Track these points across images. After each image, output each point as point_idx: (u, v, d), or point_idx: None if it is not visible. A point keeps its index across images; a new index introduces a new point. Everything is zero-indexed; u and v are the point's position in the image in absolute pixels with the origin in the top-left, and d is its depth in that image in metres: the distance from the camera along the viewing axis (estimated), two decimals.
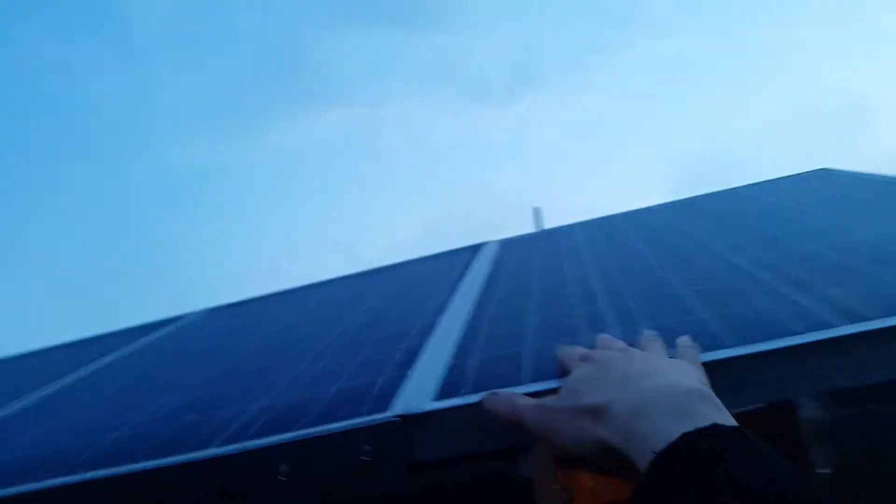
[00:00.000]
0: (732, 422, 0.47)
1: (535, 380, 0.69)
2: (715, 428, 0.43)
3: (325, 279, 1.78)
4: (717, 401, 0.51)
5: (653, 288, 0.93)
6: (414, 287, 1.39)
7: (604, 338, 0.70)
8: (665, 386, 0.52)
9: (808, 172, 1.59)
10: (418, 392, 0.74)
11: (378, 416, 0.69)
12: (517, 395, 0.63)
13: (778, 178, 1.61)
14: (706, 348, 0.65)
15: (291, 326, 1.30)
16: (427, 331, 0.99)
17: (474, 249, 1.65)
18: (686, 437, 0.43)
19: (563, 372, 0.65)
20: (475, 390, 0.70)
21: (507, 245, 1.60)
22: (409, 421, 0.68)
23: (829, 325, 0.64)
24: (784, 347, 0.63)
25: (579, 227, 1.60)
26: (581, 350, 0.65)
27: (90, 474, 0.73)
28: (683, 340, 0.66)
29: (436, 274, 1.46)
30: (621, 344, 0.66)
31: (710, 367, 0.62)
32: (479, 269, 1.37)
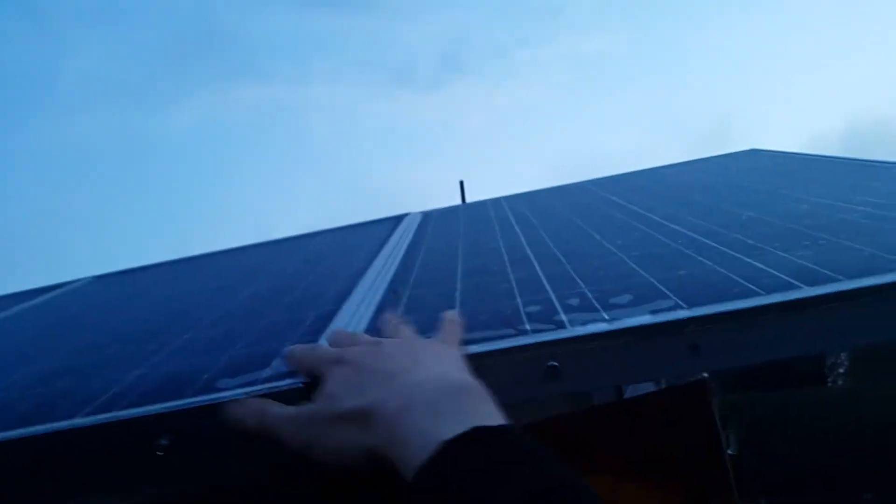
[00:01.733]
0: (497, 416, 0.45)
1: (465, 341, 0.61)
2: (475, 432, 0.41)
3: (231, 247, 1.64)
4: (482, 391, 0.47)
5: (589, 253, 0.86)
6: (329, 255, 1.28)
7: (340, 333, 0.62)
8: (426, 381, 0.48)
9: (737, 152, 1.58)
10: None
11: (279, 383, 0.59)
12: (269, 402, 0.54)
13: (707, 158, 1.59)
14: (662, 309, 0.59)
15: (187, 294, 1.17)
16: (343, 296, 0.89)
17: (396, 220, 1.55)
18: (446, 446, 0.40)
19: (307, 388, 0.56)
20: None
21: (431, 216, 1.51)
22: (315, 387, 0.58)
23: (790, 287, 0.59)
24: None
25: (505, 199, 1.53)
26: (328, 351, 0.57)
27: None
28: (450, 314, 0.62)
29: (354, 242, 1.36)
30: (367, 337, 0.59)
31: (662, 329, 0.56)
32: (401, 237, 1.28)
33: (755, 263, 0.69)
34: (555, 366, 0.57)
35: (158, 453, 0.57)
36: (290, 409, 0.52)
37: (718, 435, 1.54)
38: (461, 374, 0.51)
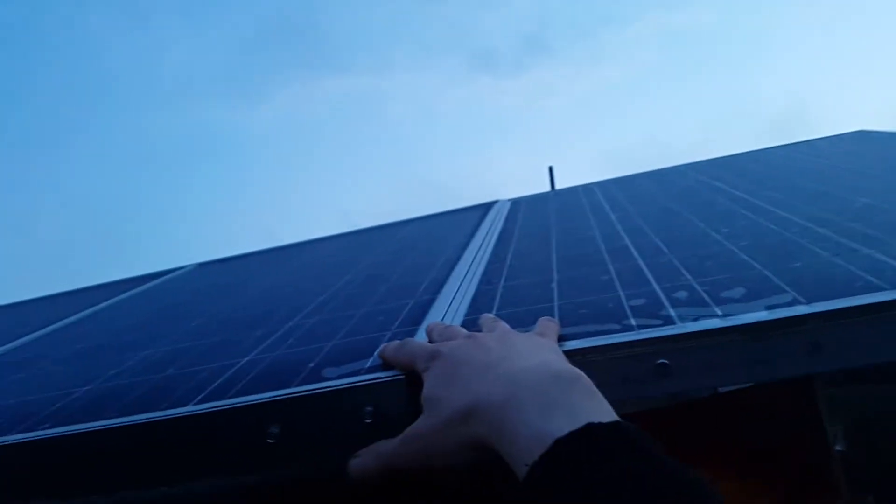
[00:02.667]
0: (608, 411, 0.43)
1: (565, 337, 0.60)
2: (589, 429, 0.40)
3: (323, 236, 1.68)
4: (588, 383, 0.45)
5: (693, 242, 0.83)
6: (419, 244, 1.28)
7: (436, 326, 0.61)
8: (529, 370, 0.46)
9: (844, 134, 1.48)
10: None
11: (382, 374, 0.59)
12: (378, 443, 0.54)
13: (812, 140, 1.50)
14: (779, 305, 0.56)
15: (285, 282, 1.20)
16: (437, 286, 0.89)
17: (485, 208, 1.54)
18: (559, 444, 0.39)
19: (409, 379, 0.56)
20: None
21: (520, 203, 1.50)
22: (417, 380, 0.58)
23: None
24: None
25: (597, 185, 1.50)
26: (423, 347, 0.56)
27: (52, 431, 0.63)
28: (543, 319, 0.60)
29: (443, 231, 1.36)
30: (462, 330, 0.57)
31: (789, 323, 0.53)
32: (491, 226, 1.27)
33: (876, 255, 0.65)
34: (665, 363, 0.55)
35: (269, 441, 0.59)
36: (397, 438, 0.52)
37: (824, 429, 1.46)
38: (563, 363, 0.49)
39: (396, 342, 0.61)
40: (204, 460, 0.60)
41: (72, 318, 1.28)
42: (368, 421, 0.58)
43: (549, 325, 0.60)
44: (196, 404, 0.62)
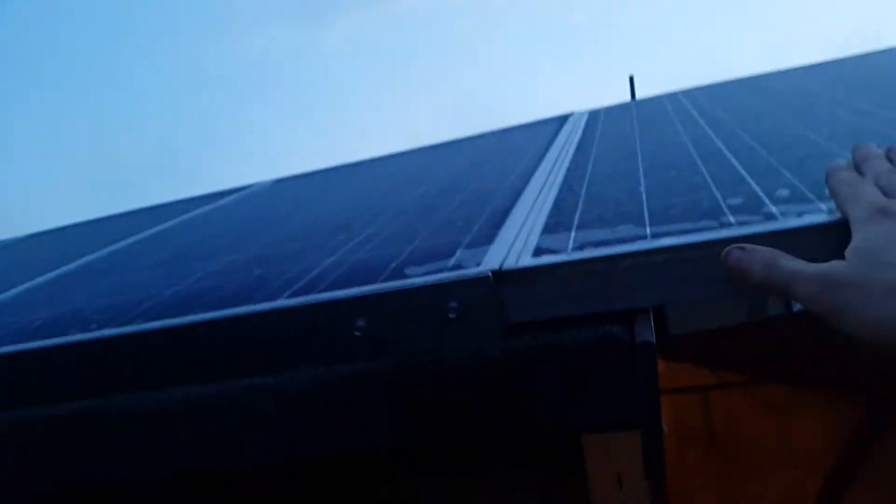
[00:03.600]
0: None
1: (656, 235, 0.57)
2: None
3: (396, 152, 1.67)
4: None
5: (792, 144, 0.78)
6: (494, 156, 1.26)
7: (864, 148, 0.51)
8: None
9: None
10: (512, 250, 0.63)
11: (468, 271, 0.59)
12: (779, 253, 0.48)
13: None
14: None
15: (361, 194, 1.21)
16: (516, 194, 0.87)
17: (560, 120, 1.50)
18: None
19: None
20: (579, 248, 0.59)
21: (598, 114, 1.44)
22: (503, 277, 0.58)
23: None
24: None
25: (683, 94, 1.43)
26: (875, 196, 0.47)
27: (143, 326, 0.66)
28: None
29: (519, 142, 1.33)
30: None
31: None
32: (569, 136, 1.23)
33: None
34: None
35: (356, 333, 0.60)
36: (812, 267, 0.45)
37: None
38: None
39: (852, 177, 0.52)
40: (295, 352, 0.61)
41: (153, 230, 1.32)
42: (452, 316, 0.58)
43: None
44: (287, 298, 0.63)
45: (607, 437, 0.60)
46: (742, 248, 0.49)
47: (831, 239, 0.51)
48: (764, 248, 0.48)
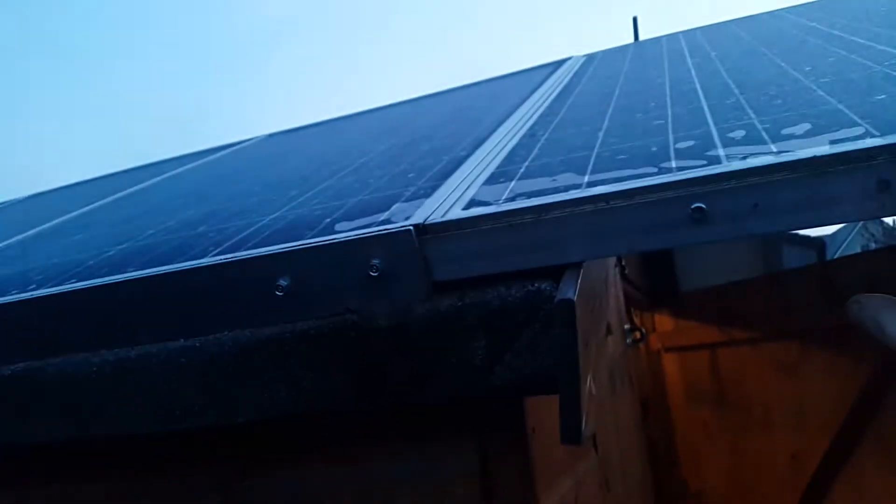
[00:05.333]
0: None
1: (592, 184, 0.53)
2: None
3: (393, 102, 1.63)
4: None
5: (769, 82, 0.72)
6: (477, 104, 1.21)
7: None
8: None
9: None
10: (446, 202, 0.59)
11: (390, 226, 0.55)
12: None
13: None
14: (846, 139, 0.47)
15: (339, 146, 1.17)
16: (479, 143, 0.83)
17: (556, 65, 1.43)
18: None
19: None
20: (511, 199, 0.54)
21: (594, 58, 1.37)
22: (427, 231, 0.54)
23: None
24: None
25: (683, 34, 1.34)
26: None
27: (72, 286, 0.64)
28: None
29: (506, 90, 1.27)
30: None
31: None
32: (557, 81, 1.17)
33: None
34: (701, 208, 0.47)
35: (278, 293, 0.58)
36: None
37: None
38: None
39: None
40: (216, 313, 0.59)
41: (134, 189, 1.31)
42: (374, 274, 0.54)
43: None
44: (212, 256, 0.61)
45: (536, 398, 0.57)
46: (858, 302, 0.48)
47: (765, 185, 0.46)
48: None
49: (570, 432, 0.46)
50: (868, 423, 1.48)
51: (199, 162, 1.44)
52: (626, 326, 1.53)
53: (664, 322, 2.18)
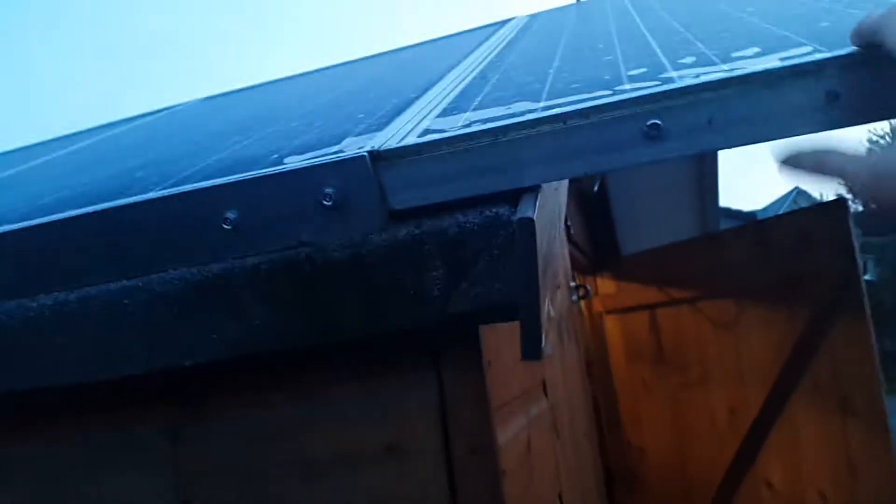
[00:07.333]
0: None
1: (547, 108, 0.53)
2: None
3: (335, 63, 1.59)
4: None
5: (714, 20, 0.73)
6: (426, 57, 1.19)
7: None
8: None
9: None
10: (400, 133, 0.58)
11: (343, 154, 0.54)
12: (832, 151, 0.43)
13: None
14: (795, 56, 0.47)
15: (285, 99, 1.14)
16: (430, 85, 0.82)
17: (500, 24, 1.42)
18: None
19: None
20: (466, 126, 0.54)
21: (538, 16, 1.37)
22: (382, 158, 0.52)
23: None
24: None
25: None
26: None
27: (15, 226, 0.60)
28: None
29: (454, 46, 1.26)
30: None
31: None
32: (503, 35, 1.16)
33: None
34: (656, 125, 0.48)
35: (225, 227, 0.55)
36: (863, 155, 0.43)
37: (854, 258, 1.38)
38: None
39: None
40: (160, 251, 0.56)
41: (67, 150, 1.25)
42: (328, 203, 0.53)
43: None
44: (154, 192, 0.58)
45: (492, 331, 0.57)
46: (796, 153, 0.45)
47: (718, 100, 0.46)
48: (812, 149, 0.44)
49: (532, 349, 0.46)
50: (803, 371, 1.55)
51: (133, 124, 1.38)
52: (572, 284, 1.55)
53: (606, 285, 2.23)
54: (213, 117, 1.14)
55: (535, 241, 0.46)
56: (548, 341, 0.48)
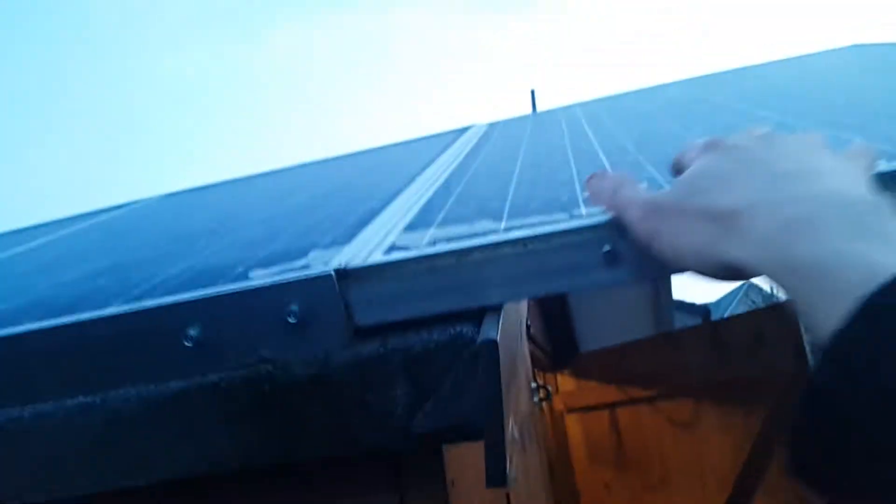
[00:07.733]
0: None
1: (508, 229, 0.55)
2: None
3: (296, 164, 1.62)
4: None
5: (662, 141, 0.77)
6: (386, 164, 1.23)
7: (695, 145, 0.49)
8: (832, 192, 0.35)
9: (840, 48, 1.40)
10: (366, 248, 0.59)
11: (309, 271, 0.54)
12: (629, 182, 0.48)
13: (807, 55, 1.42)
14: None
15: (247, 202, 1.15)
16: (395, 193, 0.84)
17: (461, 131, 1.48)
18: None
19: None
20: (431, 244, 0.55)
21: (496, 125, 1.43)
22: (347, 275, 0.53)
23: None
24: None
25: (580, 105, 1.43)
26: (705, 140, 0.47)
27: None
28: (857, 144, 0.46)
29: (416, 151, 1.30)
30: (763, 130, 0.45)
31: None
32: (464, 144, 1.21)
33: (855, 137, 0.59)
34: (612, 251, 0.50)
35: (186, 344, 0.55)
36: (644, 194, 0.46)
37: (805, 358, 1.42)
38: (873, 191, 0.37)
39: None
40: (119, 367, 0.55)
41: (39, 241, 1.23)
42: (293, 321, 0.53)
43: (860, 155, 0.44)
44: (116, 307, 0.57)
45: (456, 450, 0.56)
46: (600, 176, 0.51)
47: None
48: (615, 175, 0.50)
49: (496, 475, 0.45)
50: (761, 475, 1.55)
51: (91, 222, 1.37)
52: (533, 385, 1.55)
53: (567, 382, 2.23)
54: (177, 218, 1.14)
55: (497, 364, 0.47)
56: (512, 466, 0.47)
